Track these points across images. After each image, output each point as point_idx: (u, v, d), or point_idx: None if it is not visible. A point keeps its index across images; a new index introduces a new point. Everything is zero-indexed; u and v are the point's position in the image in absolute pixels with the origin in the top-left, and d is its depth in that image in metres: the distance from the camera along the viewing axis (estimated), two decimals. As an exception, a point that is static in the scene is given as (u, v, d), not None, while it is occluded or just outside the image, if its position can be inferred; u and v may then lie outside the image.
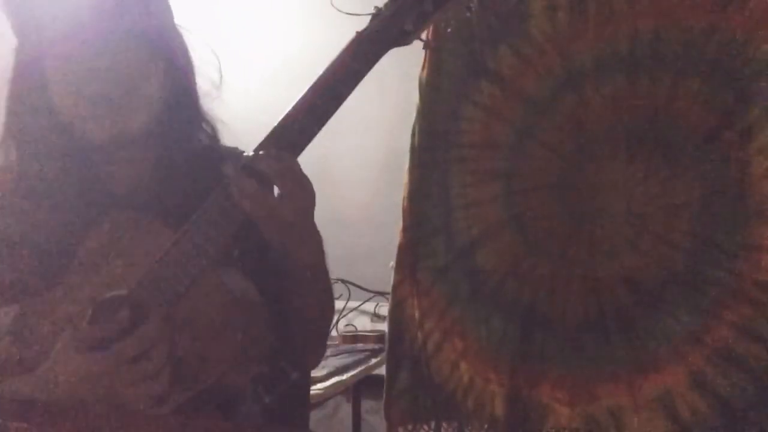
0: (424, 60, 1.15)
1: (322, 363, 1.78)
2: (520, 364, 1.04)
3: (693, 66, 0.90)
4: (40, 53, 0.90)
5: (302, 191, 0.82)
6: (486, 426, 1.07)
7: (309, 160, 0.95)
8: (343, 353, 1.92)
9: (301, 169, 0.83)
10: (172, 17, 0.98)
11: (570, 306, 1.00)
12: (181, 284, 0.81)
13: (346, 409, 2.04)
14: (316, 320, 0.98)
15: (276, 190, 0.81)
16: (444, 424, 1.13)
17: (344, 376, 1.80)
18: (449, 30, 1.11)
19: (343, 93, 0.80)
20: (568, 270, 1.01)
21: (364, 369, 1.84)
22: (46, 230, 0.90)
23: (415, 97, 1.13)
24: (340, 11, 0.83)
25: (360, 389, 1.97)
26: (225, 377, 0.82)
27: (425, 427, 1.16)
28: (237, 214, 0.80)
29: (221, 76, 0.98)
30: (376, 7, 0.79)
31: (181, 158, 0.94)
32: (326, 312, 1.01)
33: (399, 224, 1.15)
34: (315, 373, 1.62)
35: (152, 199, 0.91)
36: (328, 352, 1.83)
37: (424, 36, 0.82)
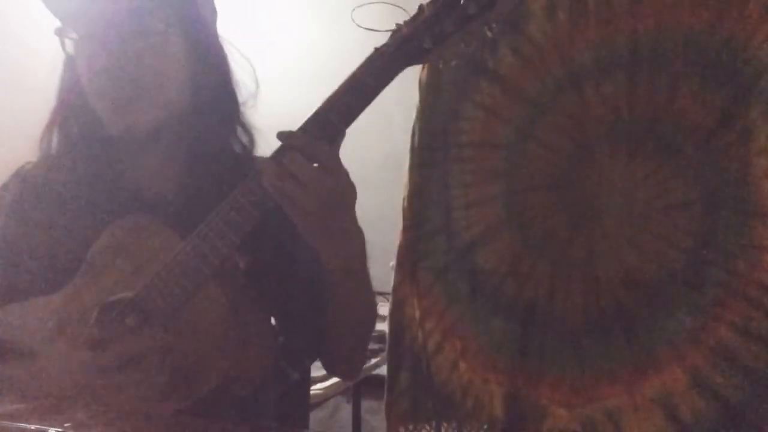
0: (424, 60, 1.15)
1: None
2: (520, 364, 1.04)
3: (693, 66, 0.90)
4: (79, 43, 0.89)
5: (334, 179, 0.77)
6: (485, 426, 1.07)
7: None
8: (343, 353, 1.92)
9: (338, 159, 0.79)
10: (215, 17, 0.96)
11: (570, 306, 1.00)
12: (184, 292, 0.81)
13: (346, 409, 2.04)
14: (354, 327, 0.94)
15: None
16: (444, 425, 1.13)
17: (344, 376, 1.80)
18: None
19: (355, 108, 0.78)
20: (568, 270, 1.01)
21: (364, 369, 1.84)
22: (62, 230, 0.90)
23: (415, 97, 1.13)
24: (359, 26, 0.81)
25: (360, 389, 1.97)
26: (222, 387, 0.81)
27: (426, 427, 1.16)
28: (244, 224, 0.79)
29: (258, 85, 0.96)
30: (396, 24, 0.78)
31: (208, 164, 0.92)
32: (366, 321, 0.97)
33: (399, 224, 1.15)
34: (315, 373, 1.62)
35: (171, 203, 0.90)
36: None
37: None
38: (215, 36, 0.94)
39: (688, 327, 0.90)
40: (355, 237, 0.85)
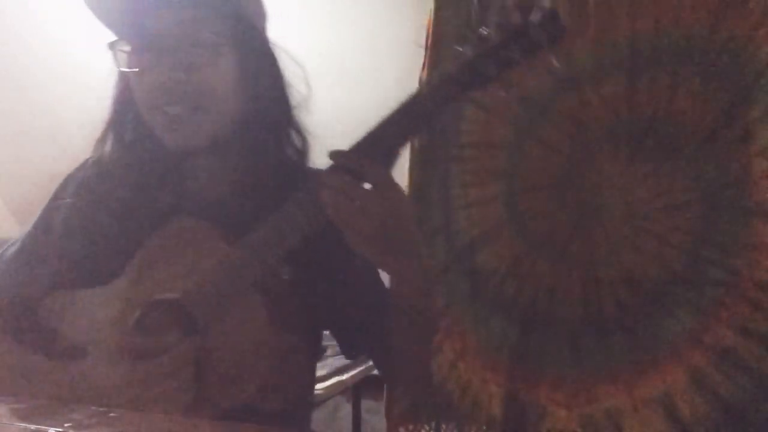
0: (424, 60, 1.15)
1: (322, 363, 1.78)
2: (519, 365, 1.04)
3: (693, 66, 0.90)
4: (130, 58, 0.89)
5: (388, 201, 0.76)
6: (484, 427, 1.07)
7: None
8: (343, 353, 1.92)
9: (391, 180, 0.77)
10: (265, 23, 0.95)
11: (570, 306, 1.00)
12: (224, 299, 0.80)
13: (346, 409, 2.04)
14: (408, 359, 0.92)
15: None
16: (443, 425, 1.13)
17: (344, 376, 1.81)
18: (449, 29, 1.11)
19: (411, 131, 0.76)
20: (568, 270, 1.01)
21: (364, 369, 1.84)
22: (113, 228, 0.90)
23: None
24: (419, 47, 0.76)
25: (360, 389, 1.97)
26: (254, 401, 0.80)
27: (425, 427, 1.16)
28: (292, 237, 0.78)
29: (310, 89, 0.94)
30: (458, 48, 0.75)
31: (259, 171, 0.91)
32: (422, 354, 0.94)
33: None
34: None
35: (222, 209, 0.90)
36: (328, 351, 1.83)
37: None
38: (267, 43, 0.93)
39: (688, 327, 0.90)
40: (409, 257, 0.82)
